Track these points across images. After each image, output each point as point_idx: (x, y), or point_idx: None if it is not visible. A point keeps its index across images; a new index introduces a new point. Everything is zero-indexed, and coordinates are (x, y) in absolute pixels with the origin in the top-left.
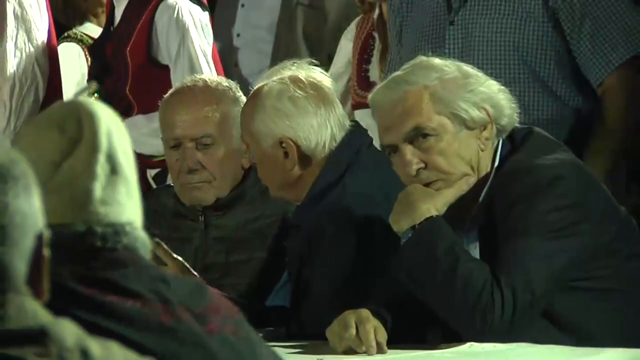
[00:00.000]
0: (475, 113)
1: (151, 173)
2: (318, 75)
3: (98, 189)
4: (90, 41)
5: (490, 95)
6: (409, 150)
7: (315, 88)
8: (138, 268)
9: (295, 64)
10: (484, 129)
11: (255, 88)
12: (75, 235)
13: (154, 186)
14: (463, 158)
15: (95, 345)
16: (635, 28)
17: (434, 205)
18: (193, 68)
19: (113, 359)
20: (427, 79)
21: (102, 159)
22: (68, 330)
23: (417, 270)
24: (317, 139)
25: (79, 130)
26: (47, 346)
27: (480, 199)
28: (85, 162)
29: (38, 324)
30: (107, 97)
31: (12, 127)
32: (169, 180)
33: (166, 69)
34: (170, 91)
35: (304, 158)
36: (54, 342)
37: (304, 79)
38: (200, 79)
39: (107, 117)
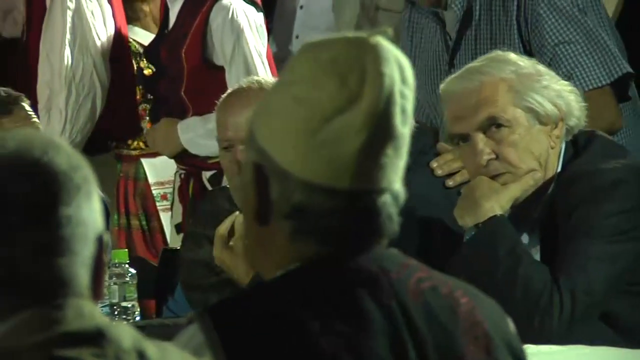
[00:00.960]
0: (550, 108)
1: (206, 175)
2: None
3: (363, 153)
4: (137, 46)
5: (563, 94)
6: (481, 140)
7: None
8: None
9: None
10: (555, 127)
11: None
12: (336, 195)
13: (209, 188)
14: (533, 153)
15: (151, 347)
16: (607, 54)
17: (499, 202)
18: (248, 69)
19: None
20: (503, 71)
21: (376, 123)
22: (125, 332)
23: (478, 270)
24: None
25: (360, 87)
26: (103, 347)
27: (544, 199)
28: (357, 126)
29: (95, 326)
30: (161, 100)
31: (67, 135)
32: (225, 182)
33: (221, 70)
34: (226, 92)
35: None
36: (111, 343)
37: None
38: (256, 80)
39: (392, 73)
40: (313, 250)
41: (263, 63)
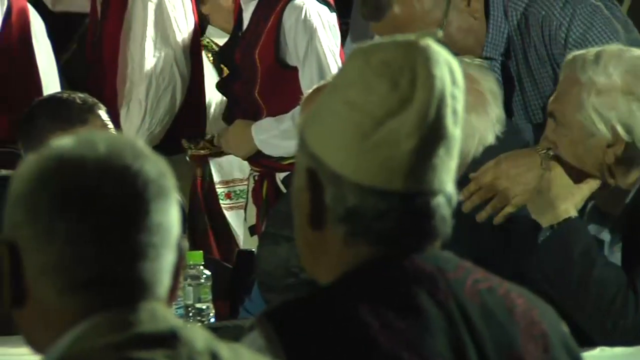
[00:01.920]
0: (603, 129)
1: (280, 176)
2: (477, 74)
3: (416, 156)
4: (214, 47)
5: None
6: (549, 126)
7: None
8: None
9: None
10: (614, 145)
11: None
12: (390, 197)
13: (283, 189)
14: (585, 161)
15: (224, 349)
16: None
17: (573, 202)
18: (321, 68)
19: None
20: (594, 74)
21: (428, 125)
22: (198, 334)
23: (553, 272)
24: (473, 142)
25: (411, 90)
26: (177, 349)
27: (627, 200)
28: (409, 128)
29: (168, 328)
30: (236, 102)
31: (146, 127)
32: None
33: (294, 70)
34: (311, 90)
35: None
36: (184, 345)
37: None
38: None
39: (443, 74)
40: (367, 252)
41: (336, 62)
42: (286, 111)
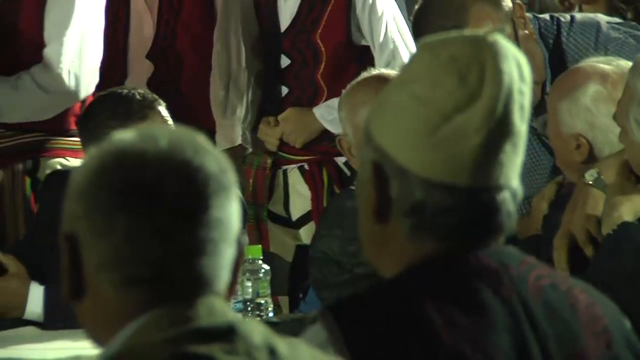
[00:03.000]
0: None
1: (341, 160)
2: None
3: (483, 151)
4: None
5: None
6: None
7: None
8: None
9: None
10: None
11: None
12: (456, 193)
13: (348, 173)
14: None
15: (282, 343)
16: None
17: (632, 208)
18: (396, 48)
19: (300, 358)
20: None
21: (495, 121)
22: (255, 328)
23: (611, 280)
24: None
25: (479, 85)
26: (234, 343)
27: None
28: (476, 123)
29: (226, 322)
30: (288, 88)
31: (248, 120)
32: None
33: (364, 49)
34: (352, 82)
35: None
36: (242, 339)
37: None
38: (380, 72)
39: (511, 70)
40: (431, 247)
41: (407, 45)
42: None
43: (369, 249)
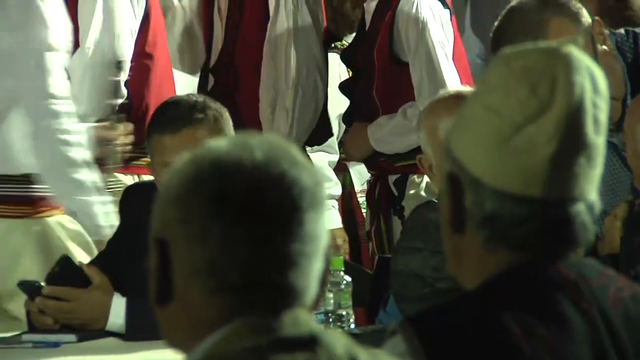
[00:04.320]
0: None
1: (392, 179)
2: None
3: (555, 163)
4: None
5: None
6: None
7: None
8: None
9: None
10: None
11: None
12: (528, 203)
13: (395, 193)
14: None
15: (364, 354)
16: None
17: None
18: (431, 63)
19: None
20: None
21: (567, 132)
22: (338, 339)
23: None
24: None
25: (550, 97)
26: (317, 353)
27: None
28: (547, 134)
29: (309, 332)
30: (356, 103)
31: (293, 135)
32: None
33: (407, 66)
34: (434, 99)
35: None
36: (325, 349)
37: None
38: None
39: (583, 82)
40: (508, 258)
41: (447, 58)
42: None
43: (450, 260)
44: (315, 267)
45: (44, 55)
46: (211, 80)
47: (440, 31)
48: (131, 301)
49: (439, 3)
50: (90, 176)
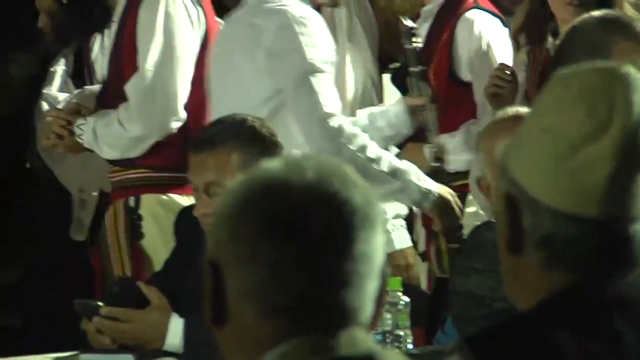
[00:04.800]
0: None
1: None
2: None
3: (613, 183)
4: None
5: None
6: None
7: None
8: None
9: None
10: None
11: None
12: (587, 223)
13: None
14: None
15: None
16: None
17: None
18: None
19: None
20: None
21: (625, 152)
22: (395, 359)
23: None
24: None
25: (608, 117)
26: None
27: None
28: (605, 155)
29: (366, 352)
30: None
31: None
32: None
33: (468, 86)
34: (492, 120)
35: None
36: None
37: None
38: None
39: None
40: (565, 278)
41: None
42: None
43: (506, 280)
44: (370, 287)
45: (311, 77)
46: None
47: (503, 50)
48: (189, 321)
49: (499, 20)
50: (388, 164)
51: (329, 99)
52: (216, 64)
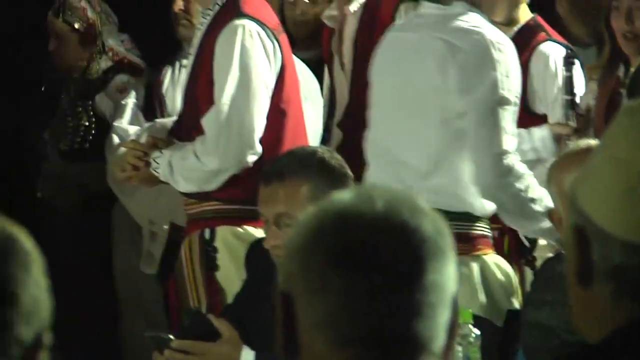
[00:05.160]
0: None
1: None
2: None
3: None
4: None
5: None
6: None
7: None
8: None
9: None
10: None
11: None
12: None
13: (526, 244)
14: None
15: None
16: None
17: None
18: (567, 115)
19: None
20: None
21: None
22: None
23: None
24: None
25: None
26: None
27: None
28: None
29: None
30: None
31: None
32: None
33: (542, 117)
34: (563, 153)
35: None
36: None
37: None
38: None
39: None
40: (635, 310)
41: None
42: None
43: (575, 313)
44: (441, 317)
45: (499, 109)
46: (337, 134)
47: (577, 83)
48: (260, 355)
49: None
50: (545, 205)
51: (509, 136)
52: (386, 75)
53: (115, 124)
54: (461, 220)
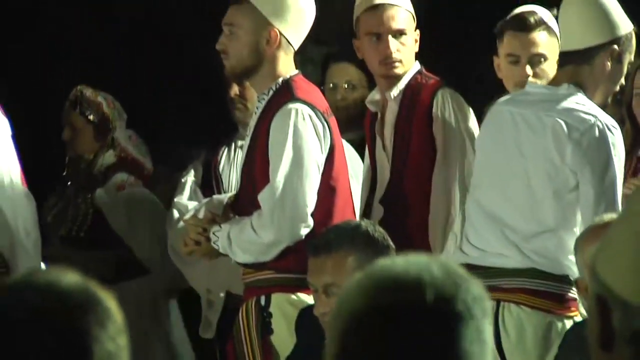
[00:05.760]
0: None
1: None
2: None
3: None
4: None
5: None
6: None
7: None
8: None
9: None
10: None
11: None
12: None
13: None
14: None
15: None
16: None
17: None
18: (613, 191)
19: None
20: None
21: None
22: None
23: None
24: None
25: None
26: None
27: None
28: None
29: None
30: None
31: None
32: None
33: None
34: (589, 227)
35: None
36: None
37: None
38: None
39: None
40: None
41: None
42: None
43: None
44: None
45: (612, 188)
46: (378, 209)
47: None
48: None
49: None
50: None
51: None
52: (495, 146)
53: (176, 199)
54: (560, 282)
